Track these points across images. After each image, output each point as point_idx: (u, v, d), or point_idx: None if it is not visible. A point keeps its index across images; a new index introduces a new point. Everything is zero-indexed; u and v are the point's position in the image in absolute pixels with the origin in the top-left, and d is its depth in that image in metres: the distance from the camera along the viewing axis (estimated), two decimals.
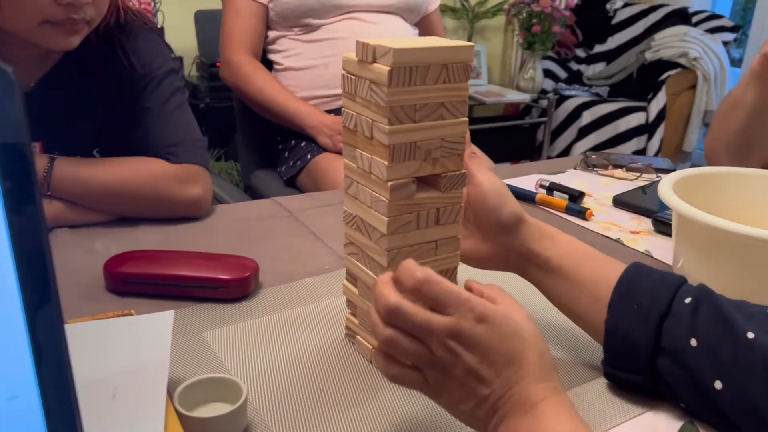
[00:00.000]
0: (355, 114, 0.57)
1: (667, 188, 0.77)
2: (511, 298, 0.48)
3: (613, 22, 3.56)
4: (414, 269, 0.46)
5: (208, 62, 2.56)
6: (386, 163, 0.54)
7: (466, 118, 0.56)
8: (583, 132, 3.19)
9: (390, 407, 0.56)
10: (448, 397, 0.47)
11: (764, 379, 0.49)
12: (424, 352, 0.45)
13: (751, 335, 0.51)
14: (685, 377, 0.54)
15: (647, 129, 3.10)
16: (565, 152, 3.27)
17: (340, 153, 1.46)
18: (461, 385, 0.46)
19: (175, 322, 0.66)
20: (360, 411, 0.56)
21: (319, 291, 0.75)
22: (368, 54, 0.53)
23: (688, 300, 0.55)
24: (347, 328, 0.66)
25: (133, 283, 0.71)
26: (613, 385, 0.60)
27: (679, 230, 0.77)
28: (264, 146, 1.66)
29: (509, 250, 0.63)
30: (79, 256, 0.80)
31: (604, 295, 0.58)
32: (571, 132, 3.24)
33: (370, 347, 0.62)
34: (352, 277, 0.64)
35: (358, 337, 0.64)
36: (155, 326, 0.56)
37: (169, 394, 0.50)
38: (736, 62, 3.50)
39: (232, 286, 0.71)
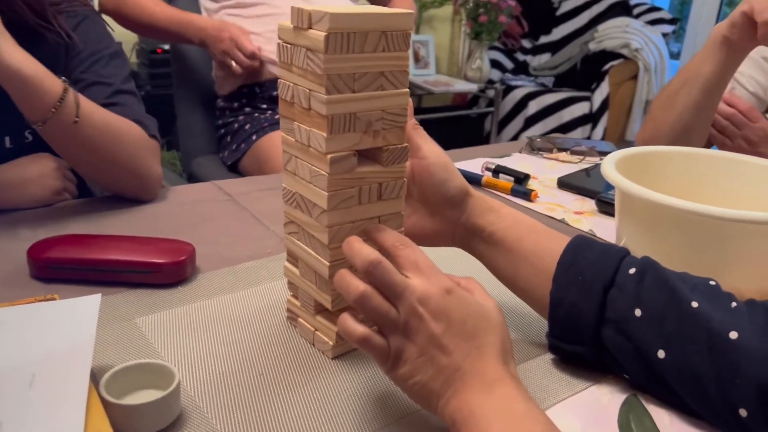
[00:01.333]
0: (291, 84, 0.54)
1: (610, 166, 0.77)
2: (484, 289, 0.50)
3: (558, 13, 3.61)
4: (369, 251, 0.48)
5: (148, 48, 2.47)
6: (325, 134, 0.51)
7: (407, 89, 0.55)
8: (530, 122, 3.23)
9: (331, 388, 0.54)
10: (405, 367, 0.46)
11: (706, 347, 0.50)
12: (392, 313, 0.46)
13: (695, 304, 0.51)
14: (629, 347, 0.53)
15: (591, 118, 3.16)
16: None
17: (227, 66, 1.38)
18: (421, 352, 0.45)
19: (106, 309, 0.63)
20: (301, 394, 0.53)
21: (259, 274, 0.73)
22: (303, 20, 0.50)
23: (632, 271, 0.55)
24: (289, 311, 0.63)
25: (60, 269, 0.67)
26: (558, 360, 0.60)
27: (621, 207, 0.78)
28: (205, 131, 1.61)
29: (456, 226, 0.61)
30: (2, 242, 0.75)
31: (548, 267, 0.57)
32: (517, 122, 3.27)
33: (312, 329, 0.60)
34: (293, 258, 0.61)
35: (299, 319, 0.61)
36: (80, 311, 0.52)
37: (96, 381, 0.47)
38: (674, 55, 3.59)
39: (166, 271, 0.68)
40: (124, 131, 0.86)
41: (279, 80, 0.56)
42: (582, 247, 0.57)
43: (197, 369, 0.56)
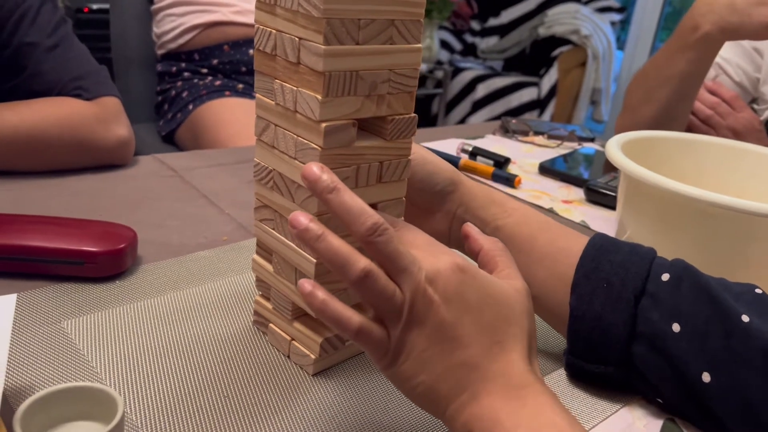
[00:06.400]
0: (274, 32, 0.43)
1: (617, 150, 0.69)
2: (512, 261, 0.41)
3: None
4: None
5: (74, 7, 2.25)
6: (319, 97, 0.40)
7: (420, 46, 0.44)
8: (477, 105, 3.16)
9: (313, 413, 0.44)
10: (408, 362, 0.36)
11: (762, 371, 0.42)
12: (398, 296, 0.36)
13: (746, 318, 0.43)
14: (665, 367, 0.45)
15: (539, 104, 3.12)
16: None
17: None
18: (429, 344, 0.36)
19: (25, 309, 0.50)
20: (275, 420, 0.43)
21: (216, 267, 0.61)
22: None
23: (666, 277, 0.46)
24: (257, 314, 0.52)
25: None
26: (575, 378, 0.51)
27: (627, 196, 0.70)
28: (141, 99, 1.45)
29: (452, 219, 0.53)
30: None
31: (566, 271, 0.48)
32: (465, 105, 3.20)
33: (288, 338, 0.49)
34: (264, 251, 0.50)
35: (271, 326, 0.50)
36: None
37: (10, 413, 0.35)
38: (620, 45, 3.59)
39: (101, 261, 0.55)
40: (51, 123, 0.75)
41: (256, 26, 0.45)
42: (605, 248, 0.48)
43: (143, 390, 0.44)
